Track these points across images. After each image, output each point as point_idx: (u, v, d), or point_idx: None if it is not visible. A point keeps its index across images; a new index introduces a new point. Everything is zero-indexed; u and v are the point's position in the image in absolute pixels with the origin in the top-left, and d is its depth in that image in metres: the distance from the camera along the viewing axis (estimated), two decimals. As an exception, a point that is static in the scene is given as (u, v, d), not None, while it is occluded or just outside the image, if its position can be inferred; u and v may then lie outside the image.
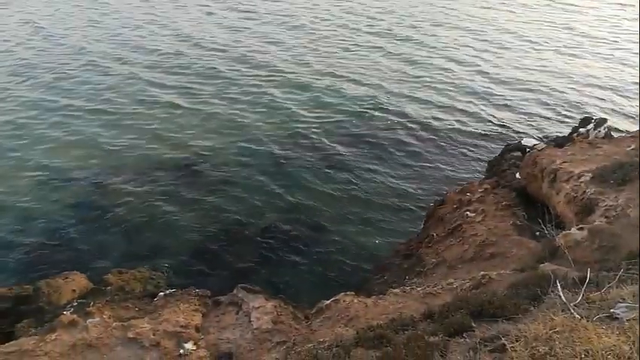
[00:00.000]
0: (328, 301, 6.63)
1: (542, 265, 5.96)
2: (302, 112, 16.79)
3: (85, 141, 14.59)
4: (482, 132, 16.22)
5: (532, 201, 8.95)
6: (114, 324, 6.68)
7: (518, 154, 11.90)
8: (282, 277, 10.10)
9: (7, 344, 6.39)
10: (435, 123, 16.59)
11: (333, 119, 16.43)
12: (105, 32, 24.59)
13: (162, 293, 7.60)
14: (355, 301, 6.53)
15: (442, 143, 15.50)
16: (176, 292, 7.58)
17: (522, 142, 13.26)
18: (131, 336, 6.39)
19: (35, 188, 12.46)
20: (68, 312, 7.12)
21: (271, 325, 6.76)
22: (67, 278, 8.65)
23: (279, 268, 10.34)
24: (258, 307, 7.07)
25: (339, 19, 27.30)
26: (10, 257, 10.38)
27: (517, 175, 10.14)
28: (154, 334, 6.42)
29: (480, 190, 9.60)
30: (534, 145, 12.31)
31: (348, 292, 6.84)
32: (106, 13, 27.85)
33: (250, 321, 6.89)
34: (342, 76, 19.57)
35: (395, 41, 23.84)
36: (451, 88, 19.05)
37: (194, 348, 6.33)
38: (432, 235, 9.15)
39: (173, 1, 30.23)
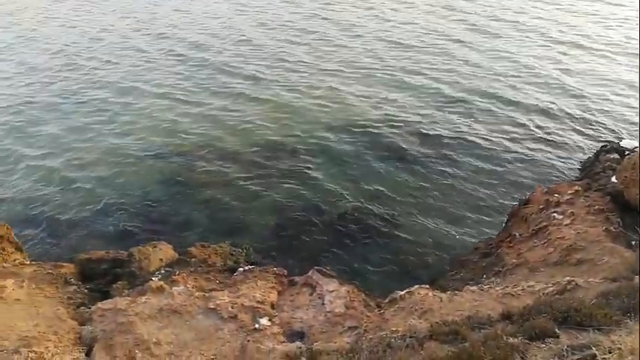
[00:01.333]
0: (402, 292, 6.62)
1: (638, 276, 5.58)
2: (376, 105, 16.63)
3: (175, 126, 15.45)
4: (572, 132, 15.23)
5: (629, 207, 8.29)
6: (196, 293, 7.12)
7: (616, 156, 11.05)
8: (354, 264, 10.21)
9: (104, 301, 7.04)
10: (519, 121, 15.80)
11: (408, 114, 16.09)
12: (189, 20, 25.66)
13: (241, 269, 7.99)
14: (430, 294, 6.47)
15: (526, 141, 14.76)
16: (254, 268, 7.92)
17: (621, 143, 12.28)
18: (211, 306, 6.78)
19: (133, 165, 13.52)
20: (156, 278, 7.65)
21: (344, 310, 6.89)
22: (155, 247, 9.27)
23: (352, 255, 10.45)
24: (332, 291, 7.22)
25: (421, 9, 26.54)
26: (108, 224, 11.40)
27: (613, 179, 9.42)
28: (232, 307, 6.76)
29: (569, 192, 9.05)
30: (635, 147, 11.37)
31: (422, 285, 6.80)
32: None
33: (323, 303, 7.07)
34: (418, 72, 18.96)
35: (479, 36, 22.79)
36: (538, 86, 17.99)
37: (269, 324, 6.59)
38: (514, 235, 8.79)
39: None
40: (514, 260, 8.10)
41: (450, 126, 15.40)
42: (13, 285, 6.78)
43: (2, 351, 5.44)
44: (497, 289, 6.51)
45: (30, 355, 5.21)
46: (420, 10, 25.99)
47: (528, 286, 6.46)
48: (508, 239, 8.90)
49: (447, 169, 13.36)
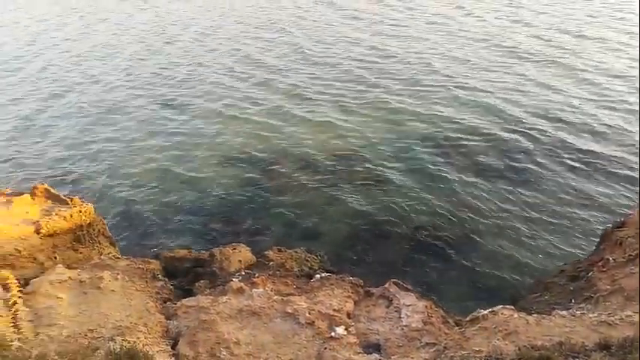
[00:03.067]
0: (485, 312, 6.35)
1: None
2: (454, 120, 16.18)
3: (256, 134, 15.96)
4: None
5: None
6: (274, 297, 7.26)
7: None
8: (430, 278, 9.99)
9: (188, 299, 7.37)
10: (613, 138, 14.72)
11: (488, 129, 15.47)
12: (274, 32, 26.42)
13: (318, 275, 8.04)
14: (515, 315, 6.16)
15: (619, 161, 13.71)
16: (331, 276, 7.94)
17: None
18: (289, 311, 6.87)
19: (217, 166, 14.12)
20: (236, 279, 7.88)
21: (421, 325, 6.73)
22: (235, 249, 9.59)
23: (429, 270, 10.23)
24: (409, 305, 7.08)
25: (510, 20, 25.56)
26: (190, 224, 11.97)
27: None
28: (309, 313, 6.81)
29: (673, 217, 8.31)
30: None
31: (507, 306, 6.49)
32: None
33: (400, 317, 6.95)
34: (507, 87, 18.17)
35: (565, 52, 21.39)
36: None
37: (345, 333, 6.57)
38: (607, 259, 8.17)
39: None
40: (608, 286, 7.52)
41: (533, 144, 14.64)
42: (109, 277, 7.26)
43: (100, 337, 5.84)
44: (591, 316, 6.08)
45: (124, 343, 5.54)
46: (486, 23, 24.96)
47: (626, 316, 5.98)
48: (600, 263, 8.28)
49: (530, 187, 12.75)
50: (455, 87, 18.25)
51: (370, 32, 24.47)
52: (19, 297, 6.58)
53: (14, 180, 13.78)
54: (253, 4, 30.41)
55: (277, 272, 8.47)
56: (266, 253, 9.60)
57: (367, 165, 13.73)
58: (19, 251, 8.35)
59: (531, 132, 15.18)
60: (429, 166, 13.66)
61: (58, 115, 17.90)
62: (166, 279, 8.34)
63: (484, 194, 12.46)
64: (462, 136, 15.07)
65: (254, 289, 7.44)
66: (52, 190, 9.94)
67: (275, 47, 22.74)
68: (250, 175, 13.66)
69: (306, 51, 21.93)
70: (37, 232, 8.67)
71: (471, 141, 14.86)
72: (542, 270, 10.13)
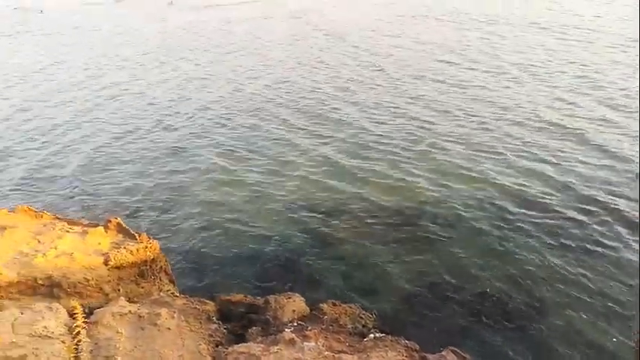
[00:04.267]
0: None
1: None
2: (540, 169, 15.67)
3: (320, 183, 16.19)
4: None
5: None
6: (326, 352, 7.07)
7: None
8: (492, 350, 9.36)
9: (239, 345, 7.34)
10: None
11: (563, 199, 14.67)
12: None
13: (372, 335, 7.78)
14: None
15: None
16: (385, 337, 7.66)
17: None
18: (340, 369, 6.66)
19: (276, 215, 14.37)
20: (289, 330, 7.77)
21: (480, 401, 6.27)
22: (289, 298, 9.51)
23: (491, 341, 9.61)
24: (468, 377, 6.66)
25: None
26: (248, 268, 12.11)
27: None
28: (360, 374, 6.57)
29: None
30: None
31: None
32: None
33: (458, 390, 6.53)
34: (576, 157, 17.20)
35: None
36: None
37: (396, 400, 6.24)
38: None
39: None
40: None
41: (610, 216, 13.70)
42: (166, 314, 7.41)
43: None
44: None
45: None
46: (555, 89, 24.22)
47: None
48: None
49: (606, 260, 11.85)
50: (522, 151, 17.69)
51: (431, 89, 24.50)
52: (83, 327, 6.83)
53: (91, 210, 14.69)
54: (320, 59, 31.60)
55: (330, 327, 8.28)
56: (320, 305, 9.45)
57: (430, 224, 13.41)
58: (88, 280, 8.76)
59: (607, 203, 14.28)
60: (495, 230, 13.10)
61: (130, 153, 19.07)
62: (220, 322, 8.39)
63: (555, 263, 11.72)
64: (529, 200, 14.44)
65: (305, 342, 7.30)
66: (123, 225, 10.45)
67: (335, 102, 23.28)
68: (309, 225, 13.73)
69: (367, 108, 22.29)
70: (106, 263, 9.09)
71: (538, 208, 14.19)
72: (625, 354, 9.24)
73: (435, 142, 18.51)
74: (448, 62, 29.60)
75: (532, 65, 27.15)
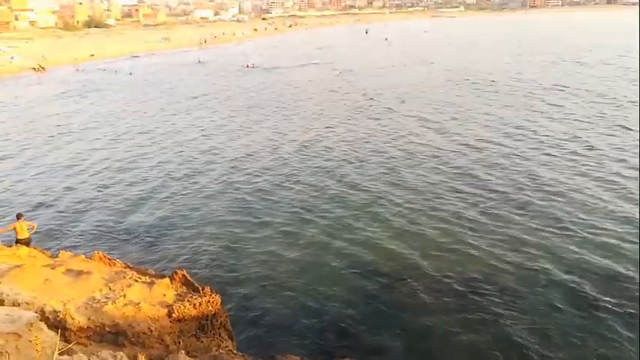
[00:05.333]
0: None
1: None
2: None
3: (383, 247, 15.87)
4: None
5: None
6: None
7: None
8: None
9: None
10: None
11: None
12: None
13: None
14: None
15: None
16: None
17: None
18: None
19: (339, 277, 14.13)
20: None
21: None
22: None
23: None
24: None
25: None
26: (307, 330, 11.80)
27: None
28: None
29: None
30: None
31: None
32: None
33: None
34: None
35: None
36: None
37: None
38: None
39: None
40: None
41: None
42: (224, 373, 7.32)
43: None
44: None
45: None
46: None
47: None
48: None
49: None
50: (601, 228, 16.56)
51: (496, 156, 23.92)
52: (144, 379, 6.87)
53: (159, 260, 15.19)
54: (379, 121, 32.00)
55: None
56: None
57: (496, 297, 12.63)
58: (151, 331, 8.91)
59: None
60: (566, 308, 12.12)
61: (196, 206, 19.75)
62: (276, 385, 8.16)
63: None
64: (611, 280, 13.33)
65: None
66: (188, 277, 10.67)
67: (398, 165, 23.31)
68: (370, 290, 13.35)
69: (432, 173, 22.06)
70: (169, 315, 9.23)
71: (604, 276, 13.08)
72: None
73: (501, 212, 17.86)
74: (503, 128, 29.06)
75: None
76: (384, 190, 20.36)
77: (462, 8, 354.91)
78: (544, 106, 35.32)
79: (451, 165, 23.16)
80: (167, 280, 10.22)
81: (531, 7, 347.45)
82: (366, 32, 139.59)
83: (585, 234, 15.80)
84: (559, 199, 18.59)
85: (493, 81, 47.99)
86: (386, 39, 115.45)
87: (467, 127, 30.29)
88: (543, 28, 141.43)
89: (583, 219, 16.84)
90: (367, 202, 19.34)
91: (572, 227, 16.28)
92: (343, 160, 24.87)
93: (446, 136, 28.72)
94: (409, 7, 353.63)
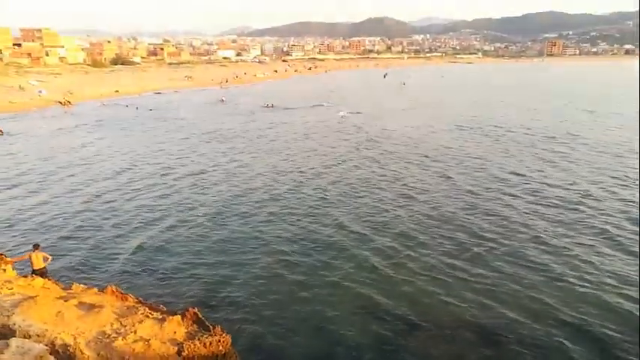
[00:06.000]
0: None
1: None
2: None
3: (406, 292, 15.57)
4: None
5: None
6: None
7: None
8: None
9: None
10: None
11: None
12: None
13: None
14: None
15: None
16: None
17: None
18: None
19: (358, 322, 13.82)
20: None
21: None
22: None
23: None
24: None
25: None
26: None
27: None
28: None
29: None
30: None
31: None
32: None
33: None
34: None
35: None
36: None
37: None
38: None
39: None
40: None
41: None
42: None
43: None
44: None
45: None
46: None
47: None
48: None
49: None
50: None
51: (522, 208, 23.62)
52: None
53: (171, 296, 15.09)
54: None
55: None
56: None
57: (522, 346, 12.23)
58: (160, 369, 8.77)
59: None
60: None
61: (214, 243, 19.69)
62: None
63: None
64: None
65: None
66: (200, 315, 10.57)
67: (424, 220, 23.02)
68: (384, 333, 13.03)
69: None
70: (179, 353, 9.10)
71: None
72: None
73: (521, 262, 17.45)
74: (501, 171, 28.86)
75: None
76: (400, 233, 20.21)
77: (479, 55, 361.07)
78: (545, 155, 35.34)
79: (443, 210, 22.98)
80: (178, 317, 10.13)
81: (549, 55, 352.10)
82: (385, 76, 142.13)
83: (584, 289, 15.46)
84: (557, 250, 18.29)
85: (497, 127, 48.51)
86: (403, 83, 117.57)
87: (464, 173, 30.29)
88: (558, 76, 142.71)
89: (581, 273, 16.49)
90: (378, 244, 19.17)
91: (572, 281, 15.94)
92: (355, 199, 24.88)
93: (441, 179, 28.78)
94: (427, 52, 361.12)
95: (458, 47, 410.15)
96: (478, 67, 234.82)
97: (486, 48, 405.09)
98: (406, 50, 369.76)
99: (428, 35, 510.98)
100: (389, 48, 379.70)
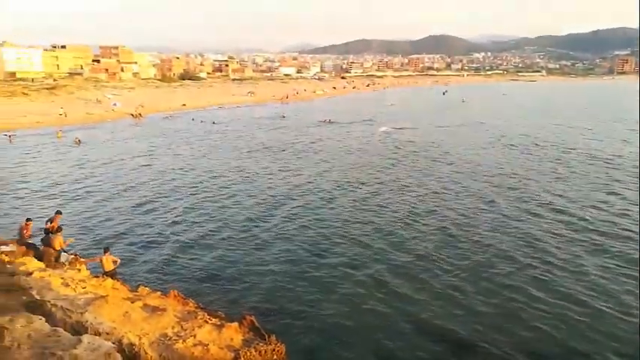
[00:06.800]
0: None
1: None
2: None
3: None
4: None
5: None
6: None
7: None
8: None
9: None
10: None
11: None
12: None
13: None
14: None
15: None
16: None
17: None
18: None
19: (406, 335, 13.63)
20: None
21: None
22: None
23: None
24: None
25: None
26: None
27: None
28: None
29: None
30: None
31: None
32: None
33: None
34: None
35: None
36: None
37: None
38: None
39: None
40: None
41: None
42: None
43: None
44: None
45: None
46: None
47: None
48: None
49: None
50: None
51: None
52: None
53: (229, 303, 15.49)
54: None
55: None
56: None
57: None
58: (217, 374, 9.05)
59: None
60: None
61: (272, 253, 20.00)
62: None
63: None
64: None
65: None
66: (256, 323, 10.83)
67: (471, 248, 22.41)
68: (446, 353, 12.79)
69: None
70: (235, 360, 9.35)
71: None
72: None
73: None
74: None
75: None
76: (446, 260, 19.75)
77: (543, 72, 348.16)
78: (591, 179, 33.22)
79: (495, 231, 22.13)
80: (236, 324, 10.42)
81: (619, 72, 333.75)
82: (444, 93, 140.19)
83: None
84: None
85: (561, 150, 45.80)
86: (463, 100, 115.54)
87: (505, 196, 29.04)
88: (630, 95, 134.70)
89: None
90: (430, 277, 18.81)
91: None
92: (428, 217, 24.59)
93: (479, 200, 27.75)
94: (487, 70, 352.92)
95: (520, 65, 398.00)
96: (542, 85, 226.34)
97: (551, 66, 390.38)
98: (465, 68, 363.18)
99: (489, 53, 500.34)
100: (448, 65, 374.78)
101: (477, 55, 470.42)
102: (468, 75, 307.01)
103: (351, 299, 15.92)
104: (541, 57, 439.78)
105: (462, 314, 14.85)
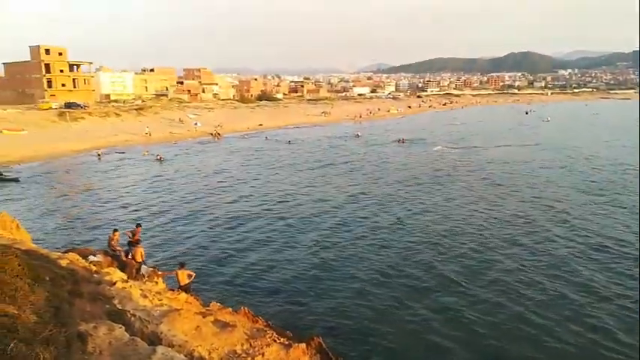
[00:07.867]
0: None
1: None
2: None
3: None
4: None
5: None
6: None
7: None
8: None
9: None
10: None
11: None
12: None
13: None
14: None
15: None
16: None
17: None
18: None
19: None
20: None
21: None
22: None
23: None
24: None
25: None
26: None
27: None
28: None
29: None
30: None
31: None
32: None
33: None
34: None
35: None
36: None
37: None
38: None
39: None
40: None
41: None
42: None
43: None
44: None
45: None
46: None
47: None
48: None
49: None
50: None
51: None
52: None
53: (296, 322, 15.50)
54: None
55: None
56: None
57: None
58: (280, 395, 8.98)
59: None
60: None
61: (335, 271, 19.90)
62: None
63: None
64: None
65: None
66: (324, 345, 10.69)
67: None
68: None
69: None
70: (300, 382, 9.24)
71: None
72: None
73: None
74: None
75: None
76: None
77: (637, 90, 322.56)
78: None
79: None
80: (304, 345, 10.34)
81: None
82: (527, 113, 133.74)
83: None
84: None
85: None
86: (547, 119, 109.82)
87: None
88: None
89: None
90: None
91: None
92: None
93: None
94: (574, 87, 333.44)
95: (612, 82, 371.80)
96: (637, 104, 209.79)
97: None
98: (550, 85, 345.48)
99: (576, 69, 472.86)
100: (531, 83, 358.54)
101: (562, 71, 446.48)
102: (552, 93, 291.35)
103: (423, 322, 15.43)
104: (636, 73, 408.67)
105: (526, 337, 13.98)
